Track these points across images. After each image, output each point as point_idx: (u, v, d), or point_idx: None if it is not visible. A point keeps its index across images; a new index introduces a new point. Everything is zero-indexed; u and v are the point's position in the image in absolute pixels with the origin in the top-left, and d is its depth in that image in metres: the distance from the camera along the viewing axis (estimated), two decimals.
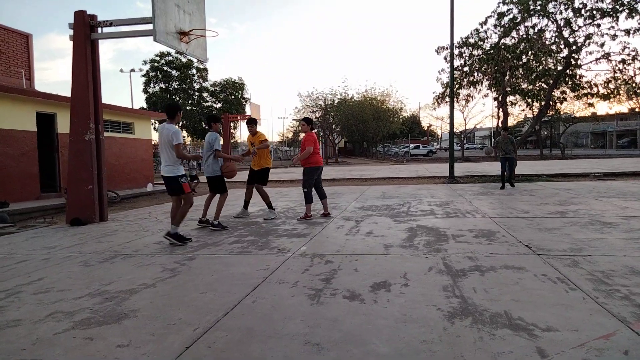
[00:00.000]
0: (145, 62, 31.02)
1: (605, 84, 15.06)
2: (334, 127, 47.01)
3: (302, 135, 8.44)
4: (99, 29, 8.71)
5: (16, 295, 4.09)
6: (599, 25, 14.15)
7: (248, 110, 36.75)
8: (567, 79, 15.32)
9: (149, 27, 8.15)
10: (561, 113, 32.92)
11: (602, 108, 50.21)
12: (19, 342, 3.04)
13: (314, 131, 8.25)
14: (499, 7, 15.22)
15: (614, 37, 13.94)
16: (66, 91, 12.01)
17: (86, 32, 8.51)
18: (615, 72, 14.60)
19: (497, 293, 3.64)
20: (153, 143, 25.87)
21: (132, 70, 42.46)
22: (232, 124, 32.99)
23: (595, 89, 15.21)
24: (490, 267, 4.42)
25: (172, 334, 3.07)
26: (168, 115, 6.24)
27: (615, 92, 15.03)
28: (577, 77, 15.21)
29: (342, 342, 2.83)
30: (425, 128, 66.22)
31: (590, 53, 14.83)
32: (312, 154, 7.89)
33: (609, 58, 14.43)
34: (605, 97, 15.28)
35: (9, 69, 15.14)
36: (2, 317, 3.52)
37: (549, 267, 4.33)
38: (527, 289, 3.71)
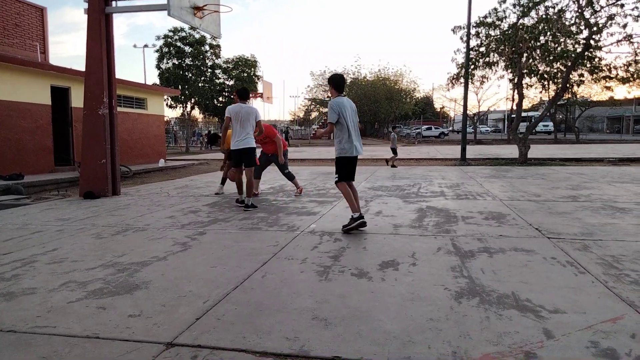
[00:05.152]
0: (158, 38, 30.72)
1: (626, 67, 14.60)
2: None
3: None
4: (114, 3, 8.69)
5: (31, 265, 4.19)
6: (622, 6, 13.64)
7: (260, 88, 36.51)
8: (585, 61, 14.88)
9: (163, 1, 8.10)
10: (577, 96, 32.24)
11: (621, 92, 49.11)
12: (34, 309, 3.12)
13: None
14: None
15: (637, 17, 13.45)
16: (80, 65, 12.00)
17: (101, 5, 8.47)
18: (636, 54, 14.15)
19: (505, 274, 3.64)
20: (165, 119, 25.95)
21: (145, 45, 42.38)
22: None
23: (614, 72, 14.76)
24: (499, 249, 4.42)
25: (183, 305, 3.14)
26: (243, 98, 7.02)
27: (635, 76, 14.59)
28: (596, 59, 14.78)
29: (350, 318, 2.86)
30: (438, 109, 65.42)
31: (612, 34, 14.29)
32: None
33: (631, 40, 13.97)
34: (625, 81, 14.82)
35: (24, 42, 15.21)
36: (18, 285, 3.62)
37: (559, 251, 4.31)
38: (536, 272, 3.70)
